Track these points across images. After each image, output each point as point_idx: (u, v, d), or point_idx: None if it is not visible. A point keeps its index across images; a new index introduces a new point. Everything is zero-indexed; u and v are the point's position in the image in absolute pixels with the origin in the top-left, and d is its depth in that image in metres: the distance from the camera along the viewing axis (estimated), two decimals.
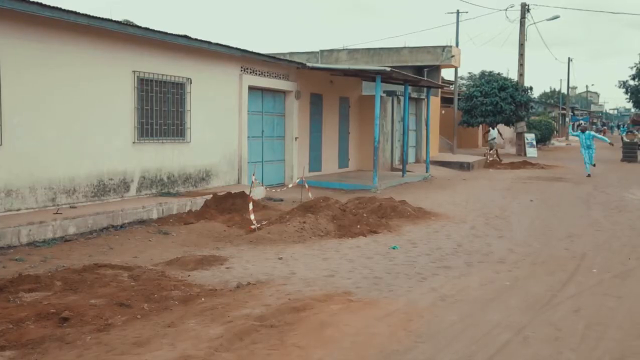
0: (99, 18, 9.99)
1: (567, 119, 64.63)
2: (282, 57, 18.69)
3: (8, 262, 7.29)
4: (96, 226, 9.43)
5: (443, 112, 32.39)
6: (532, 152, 33.08)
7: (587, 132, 22.61)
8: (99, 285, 6.20)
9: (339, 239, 9.20)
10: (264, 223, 9.89)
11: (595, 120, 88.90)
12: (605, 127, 75.88)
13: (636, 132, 31.76)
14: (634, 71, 40.20)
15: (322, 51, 26.92)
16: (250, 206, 10.25)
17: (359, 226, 9.81)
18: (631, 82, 40.68)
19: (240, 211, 11.26)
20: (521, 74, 32.78)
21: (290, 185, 14.32)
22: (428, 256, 8.21)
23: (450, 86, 33.40)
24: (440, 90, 29.59)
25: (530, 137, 34.07)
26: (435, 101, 27.39)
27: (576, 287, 6.71)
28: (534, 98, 50.67)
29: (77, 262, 7.39)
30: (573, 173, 22.54)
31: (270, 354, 4.56)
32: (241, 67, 14.51)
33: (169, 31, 11.65)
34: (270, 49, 24.28)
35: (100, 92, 10.60)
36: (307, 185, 12.89)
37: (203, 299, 5.90)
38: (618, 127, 76.42)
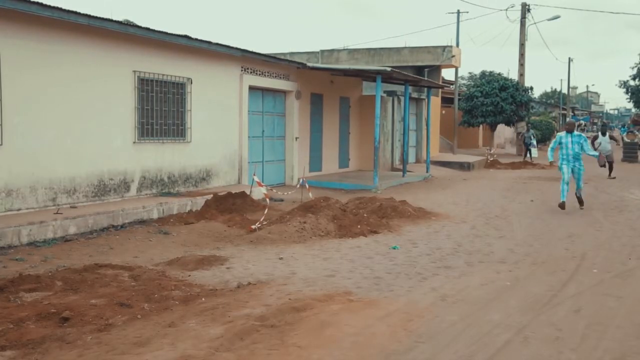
0: (100, 18, 10.00)
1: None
2: (282, 57, 18.70)
3: (9, 262, 7.30)
4: (96, 226, 9.43)
5: (443, 112, 32.41)
6: (532, 152, 33.04)
7: (575, 133, 12.70)
8: (99, 285, 6.20)
9: (339, 239, 9.20)
10: (265, 223, 9.89)
11: (595, 120, 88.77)
12: (615, 128, 71.75)
13: (637, 132, 31.75)
14: (634, 71, 40.19)
15: (322, 51, 26.95)
16: (267, 201, 10.68)
17: (359, 226, 9.81)
18: (632, 82, 40.67)
19: (240, 211, 11.27)
20: (522, 74, 32.78)
21: (294, 190, 14.31)
22: (428, 256, 8.21)
23: (451, 86, 33.41)
24: (440, 90, 29.61)
25: None
26: (435, 101, 27.41)
27: (576, 287, 6.70)
28: (535, 98, 50.71)
29: (78, 262, 7.40)
30: None
31: (270, 354, 4.56)
32: (241, 67, 14.52)
33: (169, 31, 11.67)
34: (271, 49, 24.30)
35: (100, 92, 10.60)
36: (307, 185, 12.90)
37: (203, 299, 5.90)
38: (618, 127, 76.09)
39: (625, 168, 25.73)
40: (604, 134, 21.16)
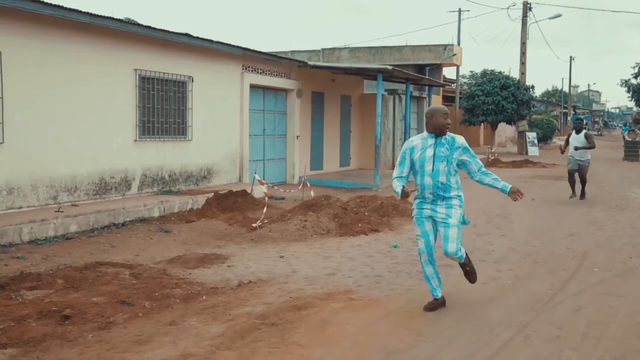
0: (101, 16, 9.99)
1: (568, 118, 64.58)
2: (283, 55, 18.70)
3: (10, 260, 7.31)
4: (98, 224, 9.44)
5: None
6: (533, 150, 33.07)
7: (446, 137, 5.61)
8: (100, 283, 6.21)
9: (340, 238, 9.20)
10: (266, 221, 9.89)
11: (597, 119, 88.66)
12: (617, 126, 67.25)
13: (638, 131, 31.72)
14: (636, 70, 40.09)
15: (323, 49, 26.91)
16: (267, 200, 10.51)
17: (360, 225, 9.81)
18: (633, 81, 40.57)
19: (241, 209, 11.27)
20: (523, 73, 32.75)
21: (295, 189, 14.30)
22: None
23: (452, 85, 33.40)
24: (441, 88, 29.58)
25: (531, 135, 34.06)
26: (436, 100, 27.36)
27: (577, 286, 6.70)
28: (536, 97, 50.67)
29: (79, 260, 7.40)
30: None
31: (271, 352, 4.56)
32: (243, 66, 14.51)
33: (170, 29, 11.67)
34: (272, 48, 24.32)
35: (101, 90, 10.60)
36: (308, 184, 12.89)
37: (204, 297, 5.90)
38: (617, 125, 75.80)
39: (626, 167, 25.72)
40: (578, 132, 13.89)
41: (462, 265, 6.00)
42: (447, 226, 5.69)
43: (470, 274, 6.05)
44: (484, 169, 5.84)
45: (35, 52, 9.38)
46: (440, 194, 5.67)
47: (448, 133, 5.65)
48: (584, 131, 13.88)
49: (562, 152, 14.70)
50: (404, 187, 5.48)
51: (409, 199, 5.80)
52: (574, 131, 14.07)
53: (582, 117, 64.84)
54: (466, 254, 5.95)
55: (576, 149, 13.67)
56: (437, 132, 5.59)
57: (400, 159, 5.72)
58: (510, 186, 5.75)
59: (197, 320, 5.21)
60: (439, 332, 5.11)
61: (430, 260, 5.74)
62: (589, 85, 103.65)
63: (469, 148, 5.77)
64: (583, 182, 14.09)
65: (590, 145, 13.60)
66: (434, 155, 5.59)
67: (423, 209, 5.71)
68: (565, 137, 14.88)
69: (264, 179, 14.05)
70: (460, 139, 5.70)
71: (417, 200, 5.78)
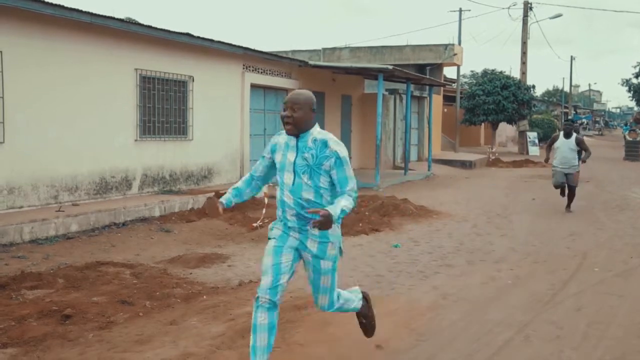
0: (102, 16, 10.00)
1: (569, 117, 64.50)
2: (284, 55, 18.69)
3: (10, 260, 7.31)
4: (98, 224, 9.44)
5: (445, 110, 32.39)
6: (534, 150, 33.08)
7: (314, 140, 3.79)
8: (101, 282, 6.21)
9: None
10: (266, 221, 9.90)
11: (597, 119, 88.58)
12: (617, 127, 66.65)
13: (639, 131, 31.72)
14: (636, 69, 40.04)
15: (324, 49, 26.91)
16: (266, 201, 10.44)
17: (360, 224, 9.81)
18: (634, 81, 40.52)
19: (242, 209, 11.27)
20: (523, 73, 32.75)
21: None
22: (430, 254, 8.21)
23: (453, 84, 33.39)
24: (442, 88, 29.58)
25: (532, 135, 34.09)
26: (437, 99, 27.37)
27: (577, 285, 6.70)
28: (537, 96, 50.63)
29: (79, 259, 7.41)
30: None
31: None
32: (243, 65, 14.52)
33: (171, 29, 11.68)
34: (273, 47, 24.30)
35: (102, 90, 10.61)
36: None
37: (205, 297, 5.91)
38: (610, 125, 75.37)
39: (627, 167, 25.73)
40: (567, 136, 11.96)
41: (357, 316, 4.41)
42: (318, 272, 4.09)
43: (366, 328, 4.44)
44: (349, 192, 3.78)
45: (36, 52, 9.38)
46: (308, 217, 3.79)
47: (319, 131, 3.85)
48: (574, 135, 11.93)
49: (547, 160, 12.77)
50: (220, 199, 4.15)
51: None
52: (561, 134, 12.09)
53: (583, 117, 64.56)
54: (366, 299, 4.40)
55: (570, 167, 11.85)
56: (290, 132, 3.82)
57: (263, 153, 4.16)
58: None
59: (197, 320, 5.22)
60: (439, 332, 5.12)
61: (270, 306, 3.78)
62: (589, 85, 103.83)
63: (346, 161, 3.79)
64: (571, 191, 12.22)
65: (586, 153, 11.87)
66: (294, 162, 3.85)
67: (289, 235, 3.93)
68: (548, 142, 12.87)
69: None
70: (336, 144, 3.79)
71: (279, 223, 4.03)
